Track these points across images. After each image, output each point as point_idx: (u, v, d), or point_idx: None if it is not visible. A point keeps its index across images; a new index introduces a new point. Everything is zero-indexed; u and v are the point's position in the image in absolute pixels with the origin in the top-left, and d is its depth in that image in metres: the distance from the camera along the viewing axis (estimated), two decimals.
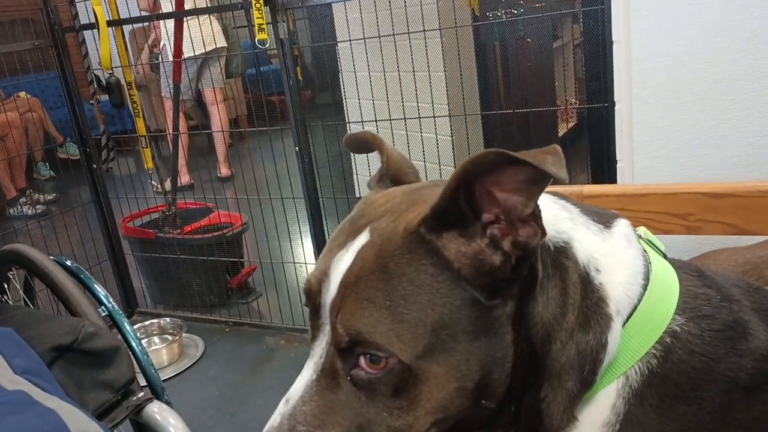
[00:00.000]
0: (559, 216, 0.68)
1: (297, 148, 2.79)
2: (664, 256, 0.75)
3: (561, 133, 4.95)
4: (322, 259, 0.69)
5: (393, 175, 0.80)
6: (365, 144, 0.85)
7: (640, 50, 1.78)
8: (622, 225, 0.72)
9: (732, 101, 1.71)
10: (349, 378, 0.63)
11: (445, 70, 3.40)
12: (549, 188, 0.66)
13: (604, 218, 0.72)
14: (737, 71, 1.68)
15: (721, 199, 1.20)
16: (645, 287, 0.67)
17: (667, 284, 0.69)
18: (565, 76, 4.63)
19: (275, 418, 0.65)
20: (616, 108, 1.89)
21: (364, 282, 0.63)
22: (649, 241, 0.75)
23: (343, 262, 0.65)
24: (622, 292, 0.66)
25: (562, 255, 0.65)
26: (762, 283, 1.01)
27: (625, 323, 0.66)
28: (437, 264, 0.62)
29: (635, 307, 0.66)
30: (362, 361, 0.62)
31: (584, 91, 3.70)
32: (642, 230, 0.76)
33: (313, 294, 0.68)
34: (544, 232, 0.62)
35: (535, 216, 0.61)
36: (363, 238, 0.66)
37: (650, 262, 0.70)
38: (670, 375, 0.65)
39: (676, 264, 0.74)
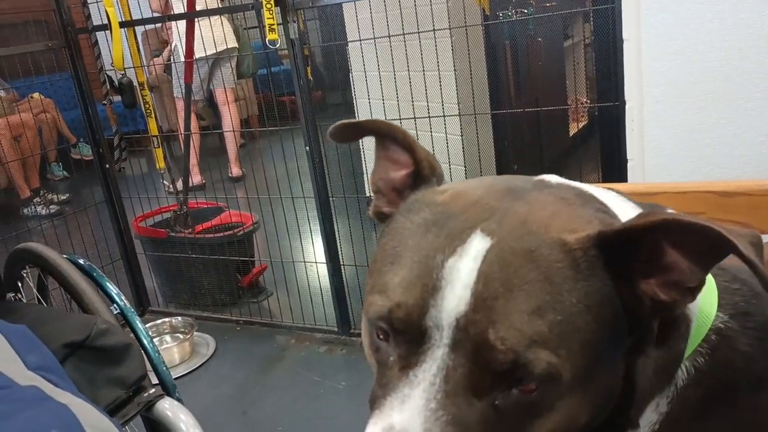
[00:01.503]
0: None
1: (307, 148, 2.80)
2: None
3: (572, 132, 4.94)
4: (416, 269, 0.58)
5: (433, 173, 0.71)
6: (367, 133, 0.76)
7: (651, 49, 1.77)
8: None
9: (744, 99, 1.69)
10: (495, 403, 0.55)
11: (455, 70, 3.40)
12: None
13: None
14: (749, 69, 1.67)
15: (732, 197, 1.19)
16: None
17: (708, 279, 0.67)
18: (576, 75, 4.61)
19: None
20: (626, 107, 1.89)
21: (524, 292, 0.54)
22: None
23: (464, 271, 0.56)
24: None
25: None
26: None
27: None
28: (603, 289, 0.57)
29: None
30: (518, 382, 0.54)
31: (595, 89, 3.68)
32: None
33: (415, 315, 0.56)
34: (694, 299, 0.58)
35: (696, 288, 0.58)
36: (479, 242, 0.57)
37: None
38: (714, 374, 0.64)
39: None
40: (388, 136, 0.74)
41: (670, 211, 0.69)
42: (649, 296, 0.58)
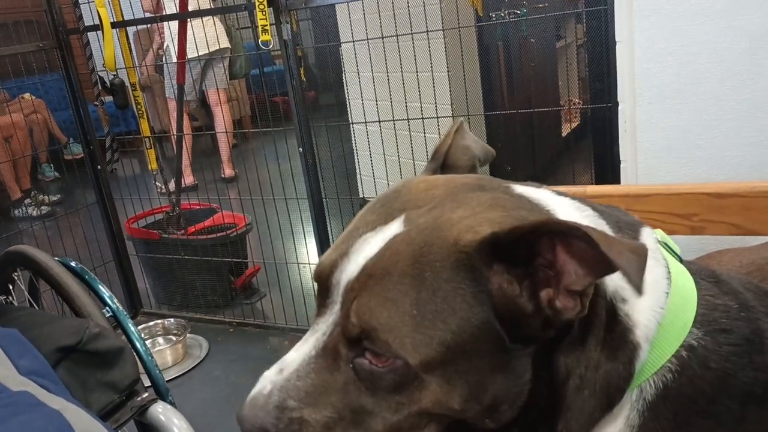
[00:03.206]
0: None
1: (300, 149, 2.79)
2: (680, 259, 0.73)
3: (564, 133, 4.95)
4: (345, 237, 0.66)
5: (447, 157, 0.77)
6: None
7: (644, 50, 1.77)
8: (648, 239, 0.69)
9: (736, 101, 1.70)
10: (351, 365, 0.62)
11: (448, 71, 3.40)
12: (558, 188, 0.65)
13: (632, 233, 0.69)
14: (741, 71, 1.68)
15: (725, 199, 1.20)
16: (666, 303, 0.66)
17: (686, 295, 0.67)
18: (569, 77, 4.62)
19: (264, 385, 0.63)
20: (619, 108, 1.89)
21: (393, 280, 0.60)
22: (664, 243, 0.74)
23: (371, 245, 0.63)
24: (650, 317, 0.64)
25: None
26: (767, 283, 1.01)
27: None
28: (477, 294, 0.59)
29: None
30: (368, 352, 0.61)
31: (587, 91, 3.69)
32: (659, 233, 0.74)
33: (324, 273, 0.65)
34: (583, 310, 0.59)
35: (584, 293, 0.59)
36: (396, 227, 0.63)
37: (670, 273, 0.68)
38: (685, 389, 0.64)
39: (693, 269, 0.72)
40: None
41: (629, 220, 0.70)
42: (547, 302, 0.59)
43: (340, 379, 0.62)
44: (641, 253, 0.55)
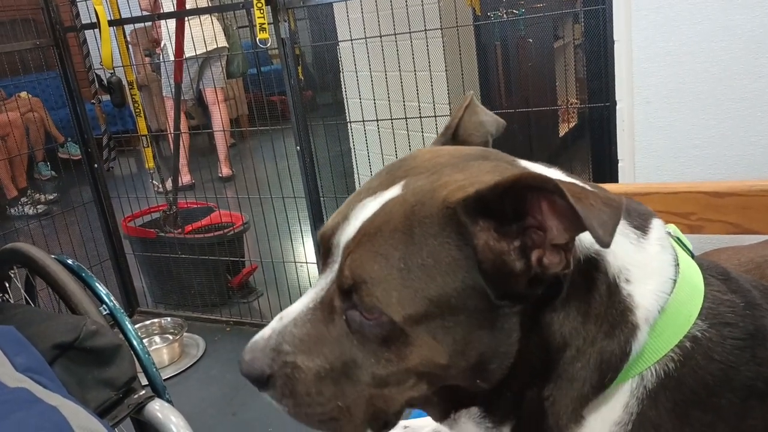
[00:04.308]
0: None
1: (298, 148, 2.79)
2: (692, 255, 0.74)
3: (562, 132, 4.96)
4: (348, 202, 0.70)
5: (457, 133, 0.79)
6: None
7: (642, 49, 1.77)
8: (657, 227, 0.70)
9: (733, 100, 1.70)
10: (344, 317, 0.65)
11: (446, 70, 3.40)
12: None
13: (641, 220, 0.70)
14: (738, 70, 1.68)
15: (722, 198, 1.20)
16: (672, 291, 0.66)
17: (693, 288, 0.68)
18: (566, 76, 4.63)
19: (266, 331, 0.68)
20: (617, 107, 1.89)
21: (384, 236, 0.63)
22: (677, 238, 0.74)
23: (368, 209, 0.66)
24: (652, 300, 0.65)
25: (592, 267, 0.63)
26: (765, 282, 1.01)
27: None
28: (462, 248, 0.61)
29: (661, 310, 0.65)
30: (358, 305, 0.63)
31: (585, 90, 3.70)
32: (672, 228, 0.75)
33: (327, 235, 0.69)
34: (568, 266, 0.60)
35: (567, 248, 0.60)
36: (395, 191, 0.66)
37: (678, 264, 0.68)
38: (687, 380, 0.64)
39: (704, 265, 0.72)
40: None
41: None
42: (537, 257, 0.60)
43: (334, 331, 0.65)
44: (615, 206, 0.55)
